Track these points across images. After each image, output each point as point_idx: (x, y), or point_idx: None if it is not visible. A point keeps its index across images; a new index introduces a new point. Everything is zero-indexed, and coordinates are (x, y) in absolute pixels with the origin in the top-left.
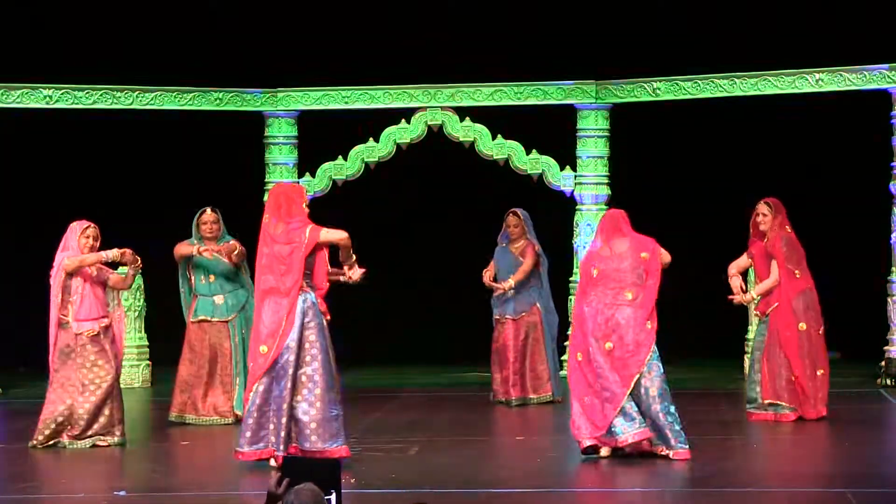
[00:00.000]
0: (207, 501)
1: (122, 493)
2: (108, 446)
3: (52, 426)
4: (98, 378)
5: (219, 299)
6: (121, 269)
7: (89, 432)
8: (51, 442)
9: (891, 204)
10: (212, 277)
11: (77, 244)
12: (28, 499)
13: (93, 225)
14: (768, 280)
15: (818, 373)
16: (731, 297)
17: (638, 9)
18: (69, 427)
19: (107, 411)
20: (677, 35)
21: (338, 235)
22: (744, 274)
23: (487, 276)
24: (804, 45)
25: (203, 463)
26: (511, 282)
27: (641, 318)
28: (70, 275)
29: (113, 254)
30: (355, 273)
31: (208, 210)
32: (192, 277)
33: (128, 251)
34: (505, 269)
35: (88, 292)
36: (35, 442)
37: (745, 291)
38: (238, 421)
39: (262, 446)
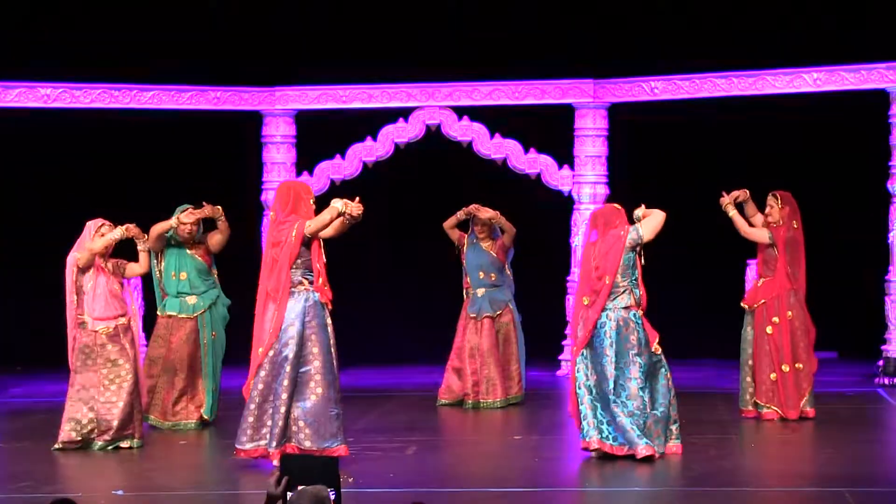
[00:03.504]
0: (206, 501)
1: (120, 492)
2: (129, 448)
3: (83, 432)
4: (118, 377)
5: (191, 299)
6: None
7: (116, 434)
8: (78, 444)
9: (889, 203)
10: (183, 275)
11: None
12: (26, 498)
13: (107, 223)
14: (748, 227)
15: (797, 365)
16: (724, 192)
17: (636, 8)
18: (98, 432)
19: (130, 412)
20: (675, 34)
21: (319, 222)
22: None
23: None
24: (802, 44)
25: (201, 463)
26: (497, 216)
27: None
28: (83, 271)
29: (118, 233)
30: (351, 208)
31: (189, 208)
32: (162, 274)
33: (130, 225)
34: (477, 266)
35: (104, 290)
36: (60, 444)
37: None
38: (207, 424)
39: (263, 444)
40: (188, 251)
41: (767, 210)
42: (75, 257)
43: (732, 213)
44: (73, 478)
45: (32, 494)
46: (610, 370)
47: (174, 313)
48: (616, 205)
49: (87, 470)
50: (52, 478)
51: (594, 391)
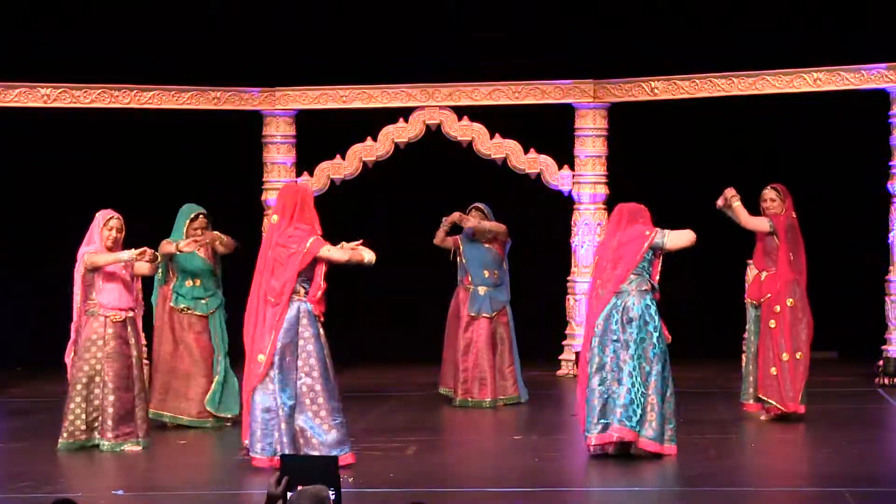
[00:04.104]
0: (206, 501)
1: (121, 492)
2: (138, 448)
3: (84, 428)
4: (123, 373)
5: (204, 300)
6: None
7: (119, 433)
8: (83, 440)
9: (889, 203)
10: (197, 281)
11: (100, 236)
12: (26, 498)
13: (116, 216)
14: (749, 217)
15: (797, 355)
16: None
17: (636, 8)
18: (100, 427)
19: (135, 411)
20: (675, 34)
21: (338, 256)
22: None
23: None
24: (802, 44)
25: (202, 463)
26: (480, 223)
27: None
28: (92, 270)
29: (129, 254)
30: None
31: (201, 217)
32: (176, 278)
33: (147, 251)
34: (477, 263)
35: (118, 281)
36: (63, 441)
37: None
38: (223, 423)
39: (272, 452)
40: (197, 254)
41: (767, 203)
42: (84, 259)
43: (737, 203)
44: (73, 478)
45: (32, 494)
46: (631, 350)
47: (187, 306)
48: (642, 205)
49: (87, 470)
50: (52, 478)
51: (607, 377)
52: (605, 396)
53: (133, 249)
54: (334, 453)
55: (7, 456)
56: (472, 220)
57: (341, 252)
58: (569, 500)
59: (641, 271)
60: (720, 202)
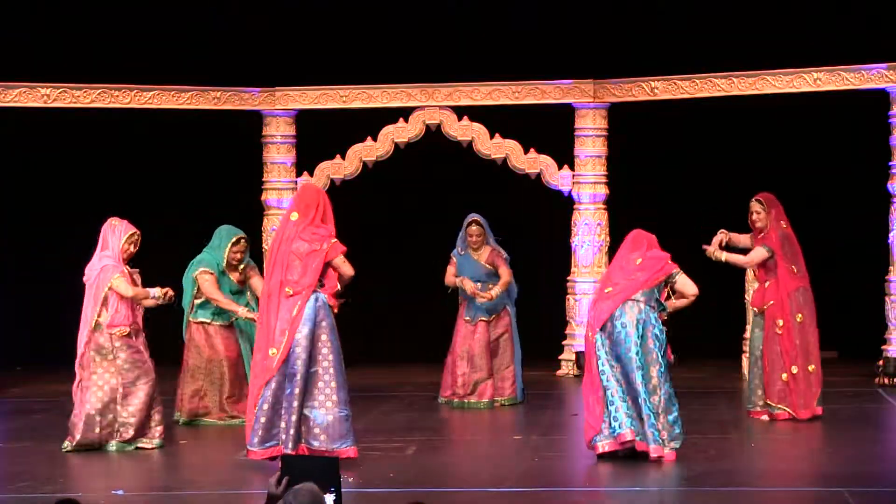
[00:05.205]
0: (207, 501)
1: (121, 492)
2: (151, 448)
3: (99, 432)
4: (137, 379)
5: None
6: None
7: (137, 435)
8: (94, 445)
9: (889, 203)
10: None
11: (119, 247)
12: (26, 498)
13: (138, 232)
14: (745, 257)
15: (810, 367)
16: (705, 245)
17: (636, 8)
18: (116, 432)
19: (150, 413)
20: (675, 34)
21: (346, 271)
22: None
23: (457, 280)
24: (802, 44)
25: (203, 463)
26: (495, 292)
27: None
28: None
29: (157, 293)
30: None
31: (242, 241)
32: (202, 297)
33: (170, 292)
34: (472, 276)
35: (127, 302)
36: (70, 444)
37: (722, 249)
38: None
39: (274, 444)
40: (227, 274)
41: (754, 217)
42: (114, 282)
43: (724, 256)
44: (74, 478)
45: (32, 494)
46: (638, 363)
47: (206, 320)
48: (653, 235)
49: (88, 470)
50: (52, 478)
51: (622, 385)
52: (625, 406)
53: (161, 290)
54: (337, 445)
55: (7, 456)
56: (494, 291)
57: (349, 267)
58: (569, 500)
59: (653, 291)
60: (713, 252)
